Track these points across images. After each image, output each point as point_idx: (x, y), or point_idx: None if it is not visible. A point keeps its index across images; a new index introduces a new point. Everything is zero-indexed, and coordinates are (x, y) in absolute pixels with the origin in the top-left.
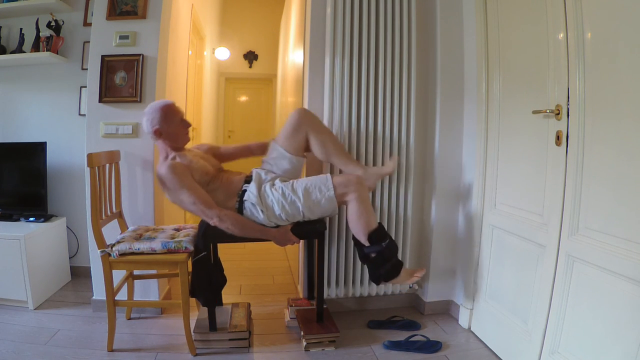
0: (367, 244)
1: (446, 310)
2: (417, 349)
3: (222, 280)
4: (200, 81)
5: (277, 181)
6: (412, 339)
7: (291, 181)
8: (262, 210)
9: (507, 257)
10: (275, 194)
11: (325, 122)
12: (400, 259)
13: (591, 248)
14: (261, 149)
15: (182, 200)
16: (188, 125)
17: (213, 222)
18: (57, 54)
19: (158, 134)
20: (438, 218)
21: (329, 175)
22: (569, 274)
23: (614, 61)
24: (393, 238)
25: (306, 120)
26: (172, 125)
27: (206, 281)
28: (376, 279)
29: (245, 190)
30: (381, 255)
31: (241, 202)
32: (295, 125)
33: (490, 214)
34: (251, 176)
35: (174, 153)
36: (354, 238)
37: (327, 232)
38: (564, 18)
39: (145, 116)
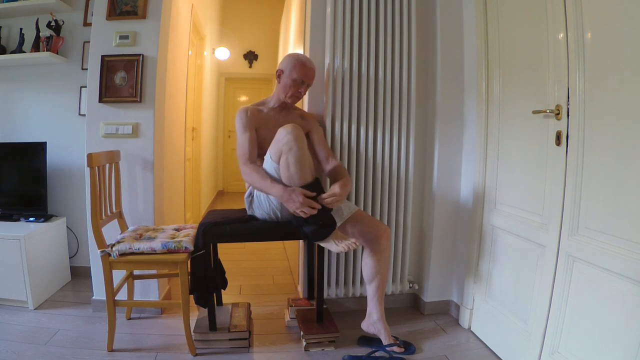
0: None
1: (446, 310)
2: None
3: (221, 282)
4: (200, 81)
5: None
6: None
7: None
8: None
9: (507, 257)
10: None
11: (325, 122)
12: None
13: (591, 248)
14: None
15: (237, 141)
16: (298, 90)
17: (241, 169)
18: (57, 54)
19: (277, 75)
20: (438, 218)
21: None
22: (569, 274)
23: (614, 61)
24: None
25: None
26: (289, 78)
27: (201, 279)
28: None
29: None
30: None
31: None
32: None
33: (490, 214)
34: None
35: (264, 106)
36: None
37: None
38: (564, 18)
39: (288, 56)
